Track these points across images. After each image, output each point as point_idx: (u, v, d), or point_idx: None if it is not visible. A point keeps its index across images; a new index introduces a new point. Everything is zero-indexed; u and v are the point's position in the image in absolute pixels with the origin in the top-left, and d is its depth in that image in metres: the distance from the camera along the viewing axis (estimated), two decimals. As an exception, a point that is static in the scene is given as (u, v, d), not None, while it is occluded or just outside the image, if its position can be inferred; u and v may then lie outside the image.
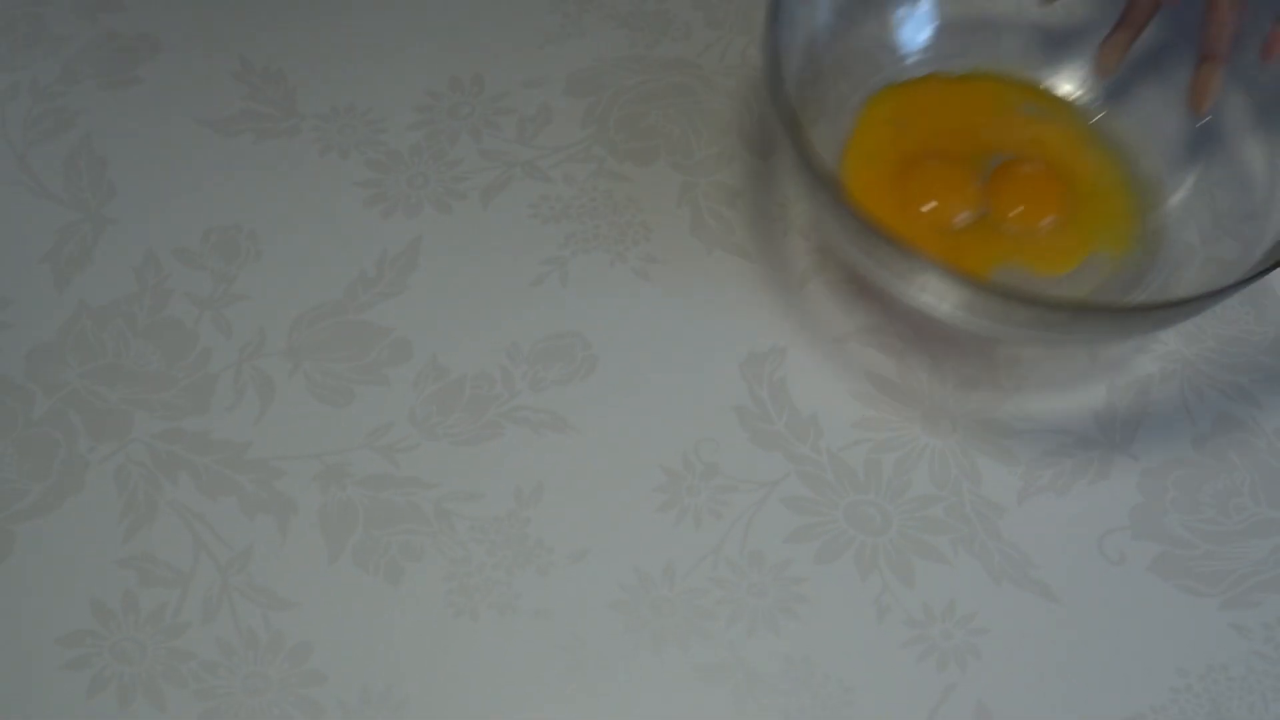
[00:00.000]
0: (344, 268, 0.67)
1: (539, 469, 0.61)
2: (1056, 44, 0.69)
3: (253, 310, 0.65)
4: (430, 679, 0.56)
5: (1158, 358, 0.66)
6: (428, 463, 0.61)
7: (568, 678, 0.56)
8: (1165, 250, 0.63)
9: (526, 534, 0.59)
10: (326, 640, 0.57)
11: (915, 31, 0.69)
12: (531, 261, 0.67)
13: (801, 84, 0.62)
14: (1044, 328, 0.57)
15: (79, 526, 0.59)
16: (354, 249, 0.67)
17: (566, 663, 0.57)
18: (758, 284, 0.66)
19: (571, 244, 0.67)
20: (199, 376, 0.63)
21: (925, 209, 0.64)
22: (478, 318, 0.65)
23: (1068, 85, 0.69)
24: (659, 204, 0.68)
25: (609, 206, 0.68)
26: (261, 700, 0.55)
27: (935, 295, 0.56)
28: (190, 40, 0.75)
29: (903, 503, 0.61)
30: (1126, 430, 0.63)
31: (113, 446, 0.61)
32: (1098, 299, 0.62)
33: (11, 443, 0.61)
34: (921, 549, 0.60)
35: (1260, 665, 0.58)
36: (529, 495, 0.60)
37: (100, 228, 0.68)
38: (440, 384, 0.63)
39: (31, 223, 0.68)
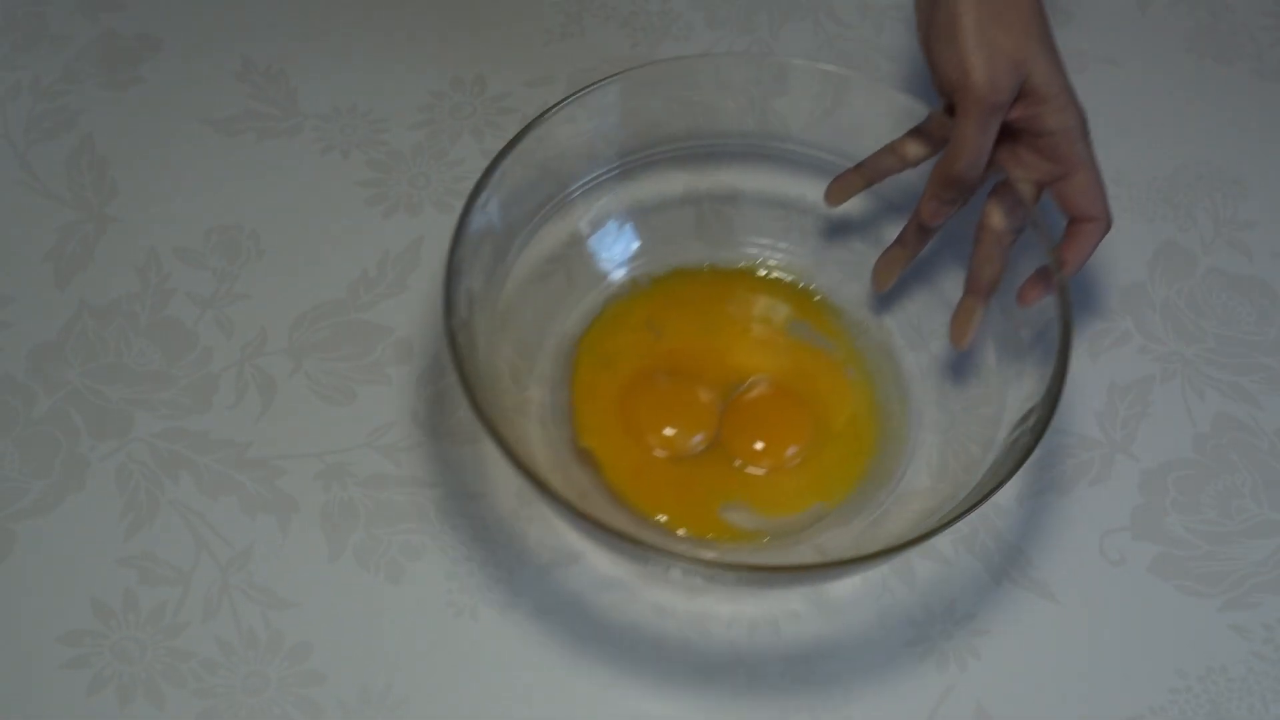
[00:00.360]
0: (345, 267, 0.67)
1: (539, 469, 0.61)
2: (826, 250, 0.66)
3: (254, 309, 0.65)
4: (430, 679, 0.56)
5: (1158, 358, 0.66)
6: (429, 462, 0.61)
7: (567, 677, 0.56)
8: (887, 490, 0.59)
9: (528, 533, 0.59)
10: (326, 639, 0.57)
11: (625, 245, 0.64)
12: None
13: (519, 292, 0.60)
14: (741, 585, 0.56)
15: (80, 525, 0.59)
16: (355, 248, 0.67)
17: (566, 662, 0.57)
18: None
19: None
20: (200, 375, 0.63)
21: (665, 433, 0.60)
22: (478, 317, 0.65)
23: (833, 290, 0.65)
24: (663, 203, 0.68)
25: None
26: (260, 699, 0.55)
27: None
28: (192, 40, 0.75)
29: (903, 503, 0.61)
30: (1126, 430, 0.63)
31: (114, 445, 0.61)
32: (760, 559, 0.57)
33: (12, 441, 0.61)
34: (922, 549, 0.60)
35: (1260, 666, 0.58)
36: (530, 494, 0.60)
37: (102, 227, 0.68)
38: (441, 383, 0.63)
39: (33, 222, 0.68)
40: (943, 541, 0.60)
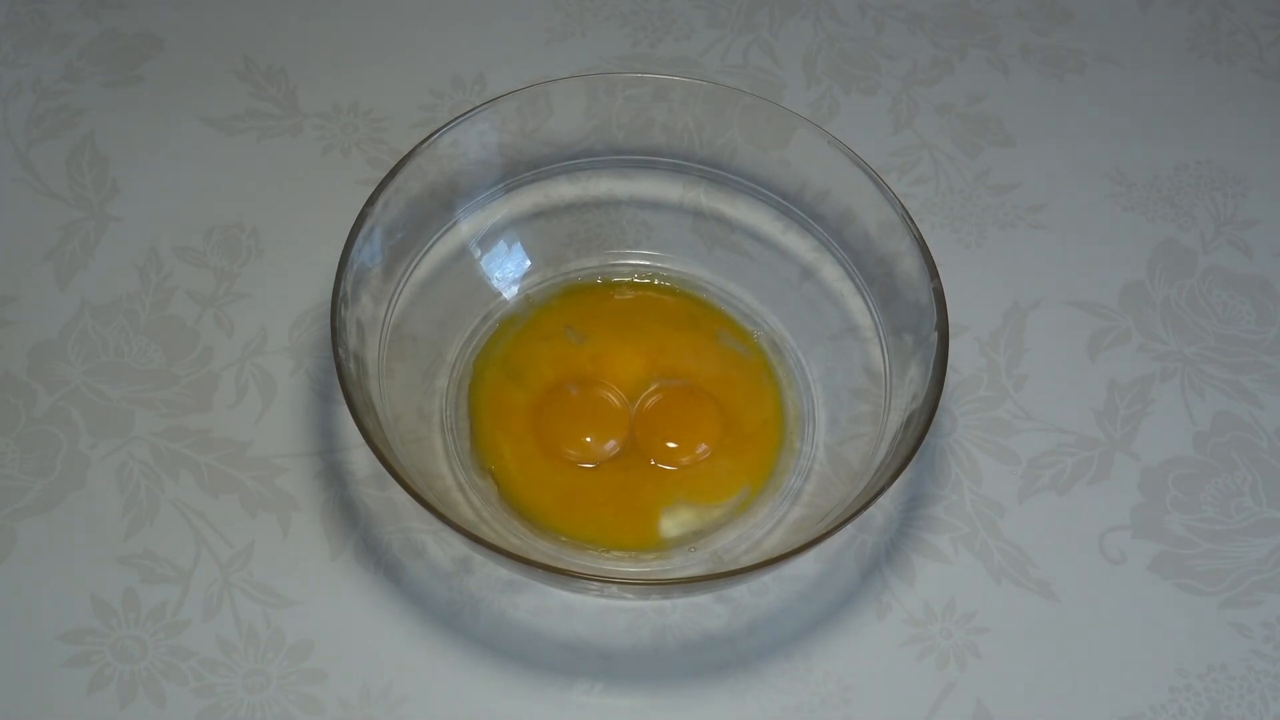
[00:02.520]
0: (346, 266, 0.67)
1: (540, 467, 0.61)
2: (715, 257, 0.66)
3: (255, 308, 0.65)
4: (431, 677, 0.56)
5: (1158, 356, 0.66)
6: (431, 460, 0.61)
7: (568, 676, 0.56)
8: (788, 485, 0.60)
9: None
10: (327, 638, 0.57)
11: (517, 263, 0.65)
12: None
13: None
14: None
15: (80, 524, 0.59)
16: (356, 247, 0.67)
17: (567, 661, 0.57)
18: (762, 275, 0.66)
19: (575, 243, 0.67)
20: (201, 374, 0.63)
21: (583, 441, 0.61)
22: (479, 316, 0.65)
23: (724, 295, 0.65)
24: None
25: (611, 204, 0.68)
26: (261, 697, 0.55)
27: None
28: (193, 38, 0.75)
29: (903, 501, 0.61)
30: (1126, 429, 0.63)
31: (114, 444, 0.61)
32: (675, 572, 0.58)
33: (13, 440, 0.61)
34: (922, 548, 0.60)
35: (1260, 665, 0.58)
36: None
37: (103, 226, 0.68)
38: (444, 381, 0.63)
39: (34, 221, 0.68)
40: (942, 540, 0.60)
